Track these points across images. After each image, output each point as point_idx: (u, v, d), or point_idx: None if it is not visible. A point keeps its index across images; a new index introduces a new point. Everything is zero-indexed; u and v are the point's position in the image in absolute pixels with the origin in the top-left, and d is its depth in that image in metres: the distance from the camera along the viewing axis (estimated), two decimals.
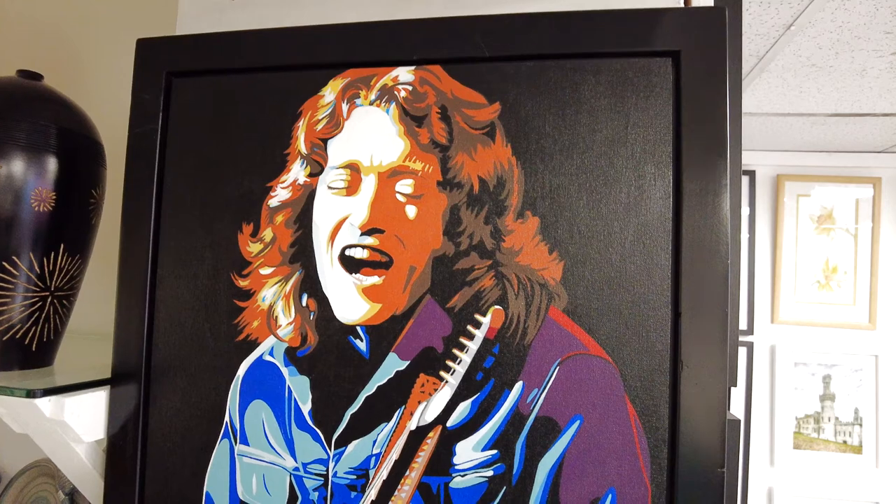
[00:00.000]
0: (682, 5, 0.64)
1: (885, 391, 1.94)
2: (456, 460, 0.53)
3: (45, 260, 0.65)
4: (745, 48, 1.24)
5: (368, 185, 0.57)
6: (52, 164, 0.64)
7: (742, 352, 1.96)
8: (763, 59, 1.34)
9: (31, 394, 0.55)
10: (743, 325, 1.98)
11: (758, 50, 1.31)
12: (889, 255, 2.00)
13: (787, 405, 1.98)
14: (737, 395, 1.92)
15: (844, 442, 1.95)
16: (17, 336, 0.64)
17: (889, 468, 1.92)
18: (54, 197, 0.64)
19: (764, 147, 2.05)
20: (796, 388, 1.99)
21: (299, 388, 0.57)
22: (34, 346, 0.66)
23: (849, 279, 1.99)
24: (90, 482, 0.62)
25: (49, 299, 0.66)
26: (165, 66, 0.64)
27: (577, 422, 0.52)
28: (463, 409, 0.53)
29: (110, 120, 0.73)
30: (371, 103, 0.58)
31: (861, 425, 1.95)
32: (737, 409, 1.94)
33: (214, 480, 0.58)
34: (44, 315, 0.66)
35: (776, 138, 1.96)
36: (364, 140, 0.57)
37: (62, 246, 0.66)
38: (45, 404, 0.56)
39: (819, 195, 2.04)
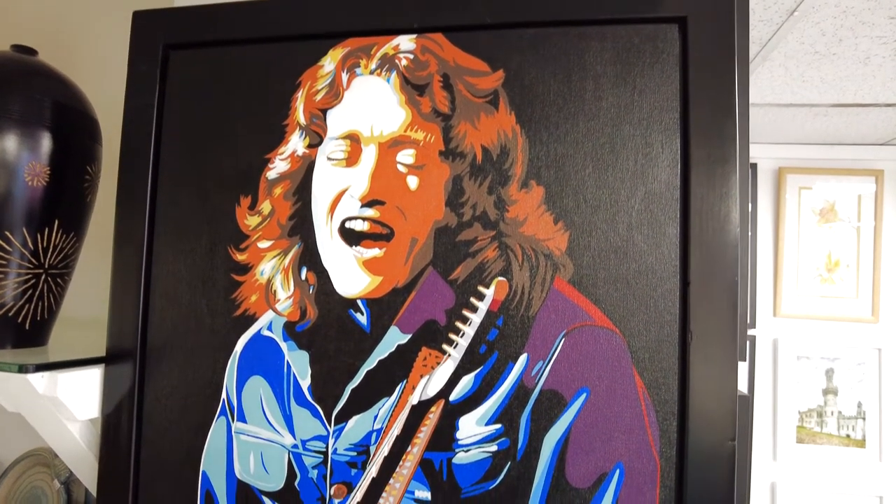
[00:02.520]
0: None
1: (889, 384, 1.93)
2: (459, 435, 0.52)
3: (38, 236, 0.63)
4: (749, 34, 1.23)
5: (369, 155, 0.55)
6: (46, 138, 0.63)
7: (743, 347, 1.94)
8: (766, 46, 1.33)
9: (23, 369, 0.54)
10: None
11: (760, 37, 1.30)
12: (892, 247, 1.98)
13: (790, 399, 1.97)
14: (739, 387, 1.90)
15: (847, 436, 1.94)
16: (10, 314, 0.63)
17: (892, 462, 1.91)
18: (48, 172, 0.63)
19: (766, 140, 2.04)
20: (799, 381, 1.97)
21: (298, 363, 0.55)
22: (27, 324, 0.64)
23: (851, 272, 1.98)
24: (84, 463, 0.61)
25: (43, 277, 0.65)
26: (162, 38, 0.63)
27: (584, 395, 0.50)
28: (466, 382, 0.52)
29: (106, 98, 0.72)
30: (371, 72, 0.57)
31: (864, 419, 1.94)
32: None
33: (211, 459, 0.57)
34: (37, 293, 0.64)
35: (778, 131, 1.95)
36: (364, 110, 0.56)
37: (56, 222, 0.65)
38: (38, 380, 0.55)
39: (821, 188, 2.03)
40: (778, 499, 1.94)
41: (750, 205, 2.00)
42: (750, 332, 2.00)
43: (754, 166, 2.03)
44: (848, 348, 1.96)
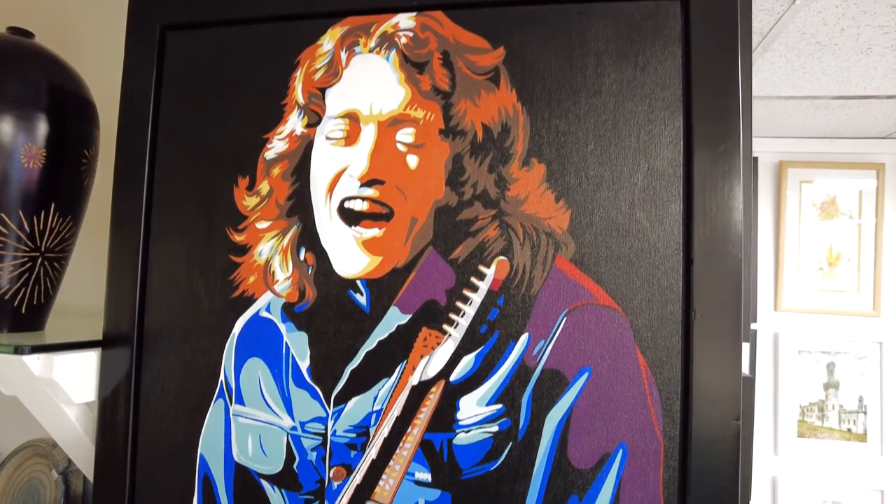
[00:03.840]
0: None
1: (890, 378, 1.92)
2: (460, 416, 0.51)
3: (35, 219, 0.63)
4: None
5: (368, 134, 0.55)
6: (42, 120, 0.62)
7: (744, 347, 1.93)
8: (766, 36, 1.32)
9: (18, 350, 0.54)
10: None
11: (761, 27, 1.29)
12: (893, 241, 1.98)
13: (791, 393, 1.96)
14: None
15: (849, 430, 1.93)
16: (6, 297, 0.62)
17: (894, 456, 1.90)
18: (44, 154, 0.62)
19: (767, 133, 2.03)
20: (800, 376, 1.97)
21: (297, 345, 0.55)
22: (24, 308, 0.64)
23: (852, 266, 1.98)
24: (81, 447, 0.60)
25: (39, 260, 0.64)
26: (159, 19, 0.62)
27: (586, 374, 0.50)
28: (466, 362, 0.51)
29: (104, 82, 0.71)
30: (371, 51, 0.56)
31: (865, 413, 1.93)
32: None
33: (209, 442, 0.56)
34: (34, 276, 0.64)
35: (779, 124, 1.94)
36: (363, 88, 0.55)
37: (53, 205, 0.64)
38: (34, 362, 0.54)
39: (822, 182, 2.02)
40: (779, 493, 1.93)
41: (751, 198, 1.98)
42: (751, 326, 2.00)
43: (755, 160, 2.02)
44: (849, 342, 1.96)
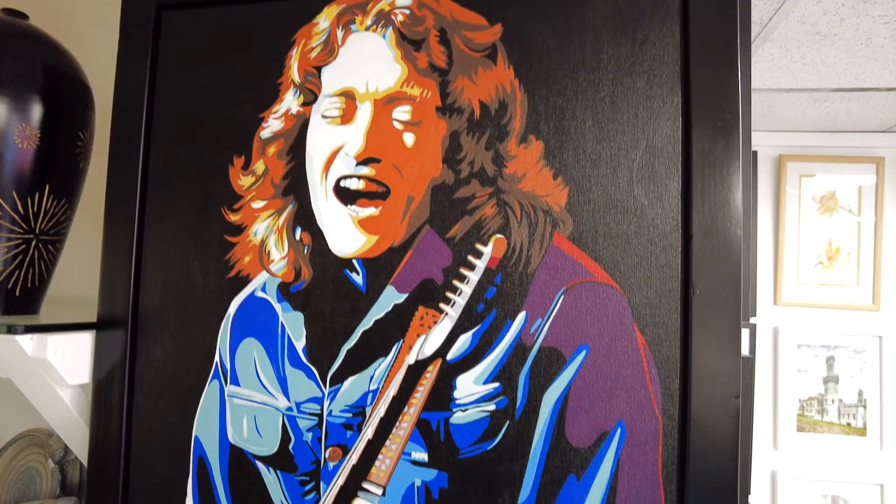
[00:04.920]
0: None
1: (889, 372, 1.92)
2: (457, 394, 0.51)
3: (29, 200, 0.62)
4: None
5: (364, 112, 0.54)
6: (36, 101, 0.62)
7: (744, 334, 1.93)
8: (766, 26, 1.31)
9: (12, 329, 0.53)
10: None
11: (761, 17, 1.28)
12: (892, 235, 1.97)
13: (791, 387, 1.96)
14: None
15: (848, 424, 1.93)
16: (0, 279, 0.62)
17: (893, 450, 1.90)
18: (39, 135, 0.62)
19: (766, 127, 2.02)
20: (799, 370, 1.96)
21: (293, 325, 0.54)
22: (18, 290, 0.63)
23: (852, 260, 1.97)
24: (75, 430, 0.60)
25: (34, 242, 0.63)
26: None
27: (583, 352, 0.49)
28: (463, 341, 0.51)
29: (99, 66, 0.71)
30: (367, 29, 0.55)
31: (865, 407, 1.93)
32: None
33: (203, 424, 0.56)
34: (28, 259, 0.63)
35: (778, 117, 1.94)
36: (359, 66, 0.55)
37: (48, 187, 0.64)
38: (27, 342, 0.54)
39: (822, 175, 2.02)
40: (778, 487, 1.93)
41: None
42: (750, 320, 2.00)
43: (755, 154, 2.01)
44: (848, 336, 1.95)
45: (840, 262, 1.98)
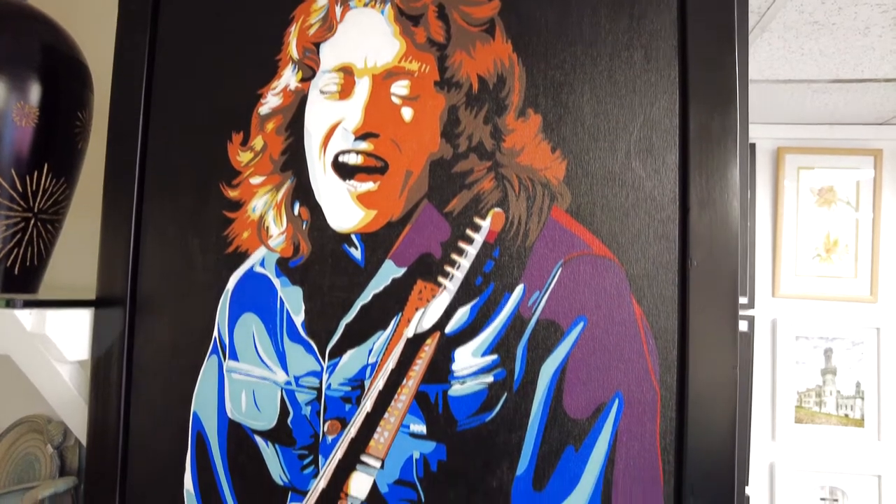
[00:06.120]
0: None
1: (887, 364, 1.92)
2: (455, 367, 0.51)
3: (28, 179, 0.62)
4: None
5: (362, 87, 0.54)
6: (34, 80, 0.62)
7: (743, 326, 1.93)
8: (765, 16, 1.32)
9: (10, 304, 0.53)
10: (743, 300, 1.96)
11: (759, 6, 1.28)
12: (890, 226, 1.98)
13: (789, 379, 1.96)
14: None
15: (846, 415, 1.93)
16: None
17: (891, 441, 1.90)
18: (37, 113, 0.62)
19: (764, 120, 2.03)
20: (798, 361, 1.96)
21: (292, 299, 0.54)
22: (16, 269, 0.63)
23: (850, 252, 1.97)
24: (74, 407, 0.60)
25: (32, 221, 0.63)
26: None
27: (581, 324, 0.49)
28: (462, 314, 0.51)
29: (98, 47, 0.71)
30: (365, 5, 0.55)
31: (863, 398, 1.93)
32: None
33: (202, 399, 0.56)
34: (27, 237, 0.63)
35: (777, 109, 1.94)
36: (358, 42, 0.55)
37: (46, 166, 0.63)
38: (26, 317, 0.54)
39: (820, 167, 2.02)
40: (777, 478, 1.93)
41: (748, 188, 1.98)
42: (748, 312, 2.00)
43: (753, 146, 2.02)
44: (847, 328, 1.95)
45: (838, 254, 1.99)
